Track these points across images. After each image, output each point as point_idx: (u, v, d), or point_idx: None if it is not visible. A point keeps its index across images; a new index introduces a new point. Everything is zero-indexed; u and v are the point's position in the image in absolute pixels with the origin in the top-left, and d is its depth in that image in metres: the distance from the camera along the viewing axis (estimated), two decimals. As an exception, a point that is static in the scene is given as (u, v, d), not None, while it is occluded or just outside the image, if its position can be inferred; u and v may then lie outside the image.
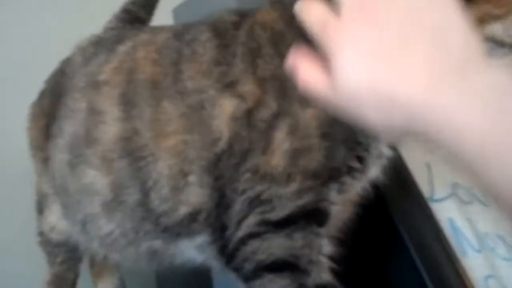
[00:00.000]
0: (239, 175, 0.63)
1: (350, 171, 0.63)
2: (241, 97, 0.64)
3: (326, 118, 0.60)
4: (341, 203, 0.65)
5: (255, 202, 0.61)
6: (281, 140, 0.61)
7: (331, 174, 0.61)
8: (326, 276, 0.60)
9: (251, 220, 0.61)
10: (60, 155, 0.82)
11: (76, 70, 0.85)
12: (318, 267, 0.60)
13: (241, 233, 0.62)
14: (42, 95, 0.92)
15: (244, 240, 0.62)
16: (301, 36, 0.58)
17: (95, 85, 0.77)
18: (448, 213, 0.91)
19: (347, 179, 0.63)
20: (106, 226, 0.77)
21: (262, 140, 0.62)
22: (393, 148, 0.66)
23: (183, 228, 0.70)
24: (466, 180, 1.01)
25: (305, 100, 0.58)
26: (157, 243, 0.75)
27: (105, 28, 1.00)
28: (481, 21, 0.57)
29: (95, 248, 0.84)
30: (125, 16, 1.01)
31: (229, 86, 0.66)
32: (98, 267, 1.08)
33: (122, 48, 0.80)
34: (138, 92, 0.72)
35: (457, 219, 0.91)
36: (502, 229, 0.98)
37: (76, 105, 0.79)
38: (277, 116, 0.62)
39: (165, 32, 0.78)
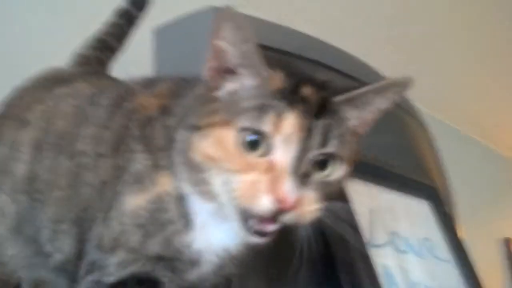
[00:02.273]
0: (89, 238, 0.69)
1: (176, 259, 0.67)
2: (102, 169, 0.71)
3: (141, 214, 0.66)
4: (177, 278, 0.70)
5: (94, 265, 0.68)
6: (112, 218, 0.67)
7: (151, 255, 0.66)
8: None
9: (89, 278, 0.68)
10: None
11: (24, 96, 0.89)
12: None
13: (83, 286, 0.68)
14: None
15: None
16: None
17: (22, 122, 0.82)
18: (384, 259, 0.96)
19: (175, 263, 0.67)
20: (10, 248, 0.81)
21: (105, 213, 0.68)
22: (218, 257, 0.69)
23: (60, 272, 0.76)
24: (404, 231, 1.08)
25: (133, 192, 0.66)
26: (47, 275, 0.82)
27: (76, 54, 1.04)
28: (211, 160, 0.61)
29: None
30: (97, 44, 1.05)
31: (99, 156, 0.72)
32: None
33: (57, 92, 0.85)
34: (47, 141, 0.77)
35: (391, 266, 0.97)
36: (432, 280, 1.05)
37: (5, 133, 0.85)
38: (115, 196, 0.68)
39: (94, 88, 0.83)
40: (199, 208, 0.66)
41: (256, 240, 0.61)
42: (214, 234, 0.67)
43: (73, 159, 0.74)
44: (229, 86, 0.63)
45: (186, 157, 0.63)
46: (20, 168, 0.78)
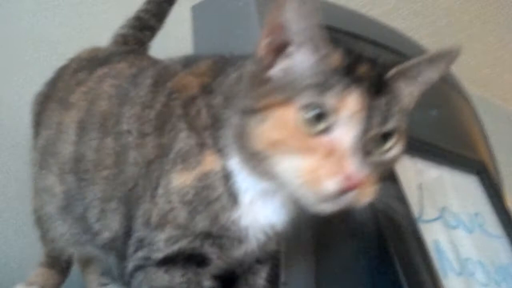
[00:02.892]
0: (136, 216, 0.71)
1: (223, 236, 0.67)
2: (147, 148, 0.71)
3: (188, 192, 0.66)
4: (224, 255, 0.69)
5: (143, 242, 0.69)
6: (159, 195, 0.68)
7: (198, 233, 0.67)
8: None
9: (139, 255, 0.69)
10: (35, 153, 0.90)
11: (66, 78, 0.91)
12: None
13: (131, 264, 0.70)
14: (40, 92, 0.96)
15: (132, 273, 0.69)
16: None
17: (65, 105, 0.84)
18: (434, 235, 0.94)
19: (222, 240, 0.67)
20: (60, 227, 0.84)
21: (152, 191, 0.69)
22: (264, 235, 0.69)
23: (109, 249, 0.78)
24: (454, 206, 1.05)
25: (180, 169, 0.67)
26: (96, 252, 0.83)
27: (115, 34, 1.04)
28: (275, 145, 0.59)
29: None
30: (136, 24, 1.06)
31: (144, 135, 0.73)
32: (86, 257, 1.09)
33: (98, 73, 0.86)
34: (92, 122, 0.78)
35: (442, 241, 0.95)
36: (483, 256, 1.02)
37: (51, 116, 0.86)
38: (160, 174, 0.69)
39: (133, 67, 0.84)
40: (248, 185, 0.66)
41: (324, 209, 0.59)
42: (261, 211, 0.67)
43: (118, 139, 0.75)
44: (285, 63, 0.61)
45: (243, 143, 0.62)
46: (67, 149, 0.80)
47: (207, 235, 0.67)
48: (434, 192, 1.02)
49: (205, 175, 0.66)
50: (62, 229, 0.84)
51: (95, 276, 1.05)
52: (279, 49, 0.61)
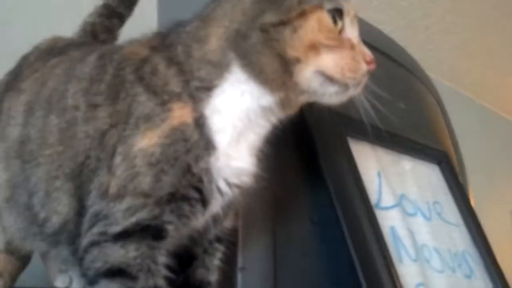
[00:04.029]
0: (90, 190, 0.69)
1: (187, 199, 0.68)
2: (99, 119, 0.71)
3: (154, 151, 0.66)
4: (182, 225, 0.70)
5: (99, 216, 0.67)
6: (117, 164, 0.67)
7: (162, 197, 0.66)
8: (157, 282, 0.67)
9: (95, 230, 0.67)
10: None
11: (24, 69, 0.91)
12: (148, 275, 0.66)
13: (85, 241, 0.68)
14: (1, 81, 0.96)
15: (87, 248, 0.68)
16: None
17: (17, 91, 0.84)
18: (391, 221, 0.96)
19: (184, 205, 0.68)
20: (7, 219, 0.83)
21: (108, 161, 0.68)
22: (232, 186, 0.71)
23: (59, 236, 0.75)
24: (412, 194, 1.08)
25: (142, 131, 0.67)
26: (43, 246, 0.81)
27: (83, 22, 1.04)
28: (313, 48, 0.66)
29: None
30: (104, 11, 1.05)
31: (94, 107, 0.72)
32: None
33: (52, 62, 0.86)
34: (39, 103, 0.78)
35: (399, 228, 0.97)
36: (439, 243, 1.05)
37: (7, 103, 0.86)
38: (118, 142, 0.68)
39: (82, 52, 0.84)
40: (226, 125, 0.69)
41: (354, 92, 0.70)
42: (234, 154, 0.69)
43: (63, 114, 0.74)
44: None
45: (266, 58, 0.67)
46: (13, 133, 0.80)
47: (169, 199, 0.67)
48: (393, 179, 1.04)
49: (174, 130, 0.67)
50: (9, 223, 0.83)
51: (55, 262, 1.04)
52: None
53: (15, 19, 1.46)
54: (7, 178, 0.80)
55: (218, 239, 0.78)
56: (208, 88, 0.69)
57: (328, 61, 0.67)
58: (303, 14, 0.67)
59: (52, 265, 1.05)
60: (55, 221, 0.74)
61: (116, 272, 0.65)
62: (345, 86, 0.68)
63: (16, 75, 0.90)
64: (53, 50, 0.91)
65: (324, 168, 0.90)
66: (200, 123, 0.68)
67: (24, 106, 0.80)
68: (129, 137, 0.68)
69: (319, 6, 0.68)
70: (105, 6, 1.06)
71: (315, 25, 0.67)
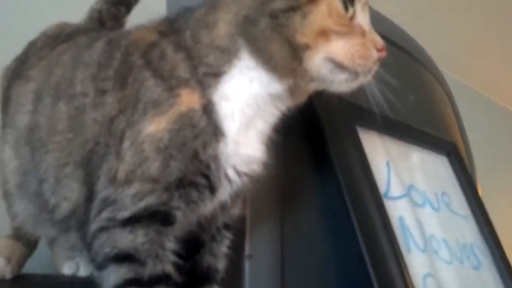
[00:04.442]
0: (99, 175, 0.69)
1: (195, 185, 0.68)
2: (107, 105, 0.70)
3: (162, 137, 0.66)
4: (190, 211, 0.69)
5: (107, 201, 0.67)
6: (126, 149, 0.67)
7: (170, 183, 0.66)
8: (165, 268, 0.66)
9: (103, 216, 0.67)
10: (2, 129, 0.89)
11: (31, 55, 0.91)
12: (156, 260, 0.65)
13: (94, 226, 0.68)
14: (8, 67, 0.95)
15: (95, 234, 0.68)
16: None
17: (26, 78, 0.84)
18: (400, 211, 0.96)
19: (192, 191, 0.68)
20: (18, 205, 0.83)
21: (116, 147, 0.68)
22: (241, 174, 0.70)
23: (69, 222, 0.75)
24: (421, 184, 1.07)
25: (150, 116, 0.66)
26: (53, 232, 0.81)
27: (90, 8, 1.03)
28: (323, 34, 0.65)
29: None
30: None
31: (102, 93, 0.71)
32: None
33: (59, 49, 0.85)
34: (47, 90, 0.78)
35: (407, 218, 0.96)
36: (447, 234, 1.04)
37: (16, 90, 0.86)
38: (127, 127, 0.68)
39: (92, 38, 0.84)
40: (235, 111, 0.68)
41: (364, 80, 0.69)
42: (243, 141, 0.69)
43: (71, 102, 0.74)
44: None
45: (277, 44, 0.65)
46: (23, 120, 0.80)
47: (178, 185, 0.66)
48: (402, 170, 1.04)
49: (182, 115, 0.66)
50: (19, 208, 0.83)
51: (62, 249, 1.05)
52: None
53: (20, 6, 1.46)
54: (17, 165, 0.80)
55: (226, 226, 0.77)
56: (216, 74, 0.68)
57: (338, 48, 0.66)
58: (312, 0, 0.65)
59: (59, 252, 1.05)
60: (65, 207, 0.74)
61: (124, 257, 0.65)
62: (355, 74, 0.67)
63: (23, 61, 0.90)
64: (59, 37, 0.90)
65: (333, 157, 0.89)
66: (208, 109, 0.67)
67: (32, 93, 0.80)
68: (137, 123, 0.67)
69: None
70: None
71: (326, 10, 0.66)
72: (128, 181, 0.66)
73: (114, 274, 0.65)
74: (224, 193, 0.70)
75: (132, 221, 0.66)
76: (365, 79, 0.69)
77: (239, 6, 0.68)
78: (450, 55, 2.72)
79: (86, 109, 0.72)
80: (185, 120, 0.66)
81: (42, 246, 1.03)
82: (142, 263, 0.65)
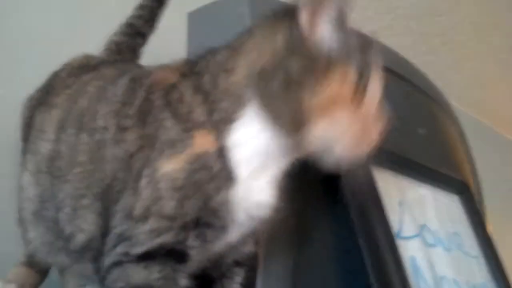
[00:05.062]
0: (115, 210, 0.70)
1: (210, 225, 0.69)
2: (128, 141, 0.71)
3: (178, 176, 0.67)
4: (205, 250, 0.71)
5: (122, 236, 0.68)
6: (143, 187, 0.68)
7: (187, 222, 0.67)
8: None
9: (118, 250, 0.68)
10: (23, 155, 0.91)
11: (56, 84, 0.93)
12: None
13: (108, 260, 0.69)
14: (32, 97, 0.97)
15: (109, 269, 0.69)
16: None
17: (50, 105, 0.86)
18: (412, 252, 0.96)
19: (207, 231, 0.69)
20: (32, 232, 0.84)
21: (134, 183, 0.69)
22: (252, 218, 0.71)
23: (84, 253, 0.76)
24: (433, 224, 1.07)
25: (167, 156, 0.68)
26: (67, 261, 0.82)
27: (109, 41, 1.07)
28: (330, 104, 0.66)
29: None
30: (129, 30, 1.08)
31: (123, 130, 0.72)
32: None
33: (85, 78, 0.88)
34: (71, 120, 0.80)
35: (419, 258, 0.97)
36: (458, 275, 1.04)
37: (37, 117, 0.88)
38: (144, 165, 0.69)
39: (118, 71, 0.86)
40: (248, 157, 0.69)
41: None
42: (254, 186, 0.69)
43: (92, 135, 0.75)
44: (325, 29, 0.67)
45: (287, 100, 0.66)
46: (45, 148, 0.81)
47: (195, 225, 0.67)
48: (414, 209, 1.04)
49: (197, 157, 0.67)
50: (34, 235, 0.84)
51: (73, 277, 1.05)
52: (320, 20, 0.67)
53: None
54: (36, 191, 0.82)
55: (237, 263, 0.78)
56: (229, 120, 0.69)
57: (339, 129, 0.67)
58: (329, 67, 0.65)
59: (70, 279, 1.06)
60: (80, 238, 0.75)
61: None
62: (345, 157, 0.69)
63: (48, 91, 0.92)
64: (85, 67, 0.93)
65: (346, 196, 0.90)
66: (222, 154, 0.68)
67: (56, 122, 0.82)
68: (154, 161, 0.68)
69: (346, 61, 0.66)
70: (130, 26, 1.09)
71: (339, 79, 0.66)
72: (144, 218, 0.67)
73: None
74: (234, 234, 0.71)
75: (147, 257, 0.67)
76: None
77: (259, 56, 0.69)
78: (461, 89, 2.74)
79: (106, 144, 0.74)
80: (200, 162, 0.67)
81: (52, 273, 1.04)
82: None
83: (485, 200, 1.42)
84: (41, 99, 0.91)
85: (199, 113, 0.69)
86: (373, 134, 0.69)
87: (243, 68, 0.70)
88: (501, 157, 3.23)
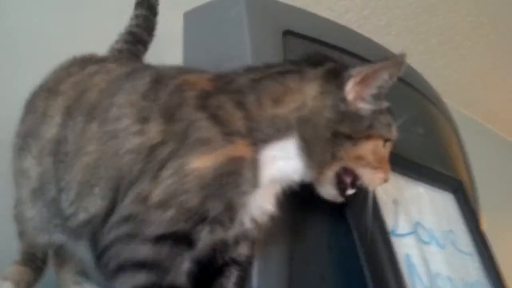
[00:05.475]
0: (128, 194, 0.73)
1: (223, 223, 0.72)
2: (149, 133, 0.74)
3: (206, 174, 0.70)
4: (210, 241, 0.73)
5: (130, 218, 0.70)
6: (165, 177, 0.70)
7: (205, 218, 0.70)
8: (181, 281, 0.69)
9: (123, 229, 0.70)
10: (15, 139, 0.93)
11: (57, 73, 0.95)
12: (174, 273, 0.69)
13: (111, 236, 0.71)
14: (34, 91, 0.98)
15: (113, 243, 0.70)
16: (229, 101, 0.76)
17: (54, 92, 0.88)
18: (406, 249, 0.97)
19: (219, 228, 0.72)
20: (30, 210, 0.86)
21: (152, 172, 0.72)
22: (254, 222, 0.76)
23: (82, 230, 0.79)
24: (428, 222, 1.08)
25: (199, 153, 0.71)
26: (62, 238, 0.84)
27: (111, 48, 1.10)
28: (358, 159, 0.80)
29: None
30: (130, 38, 1.12)
31: (144, 121, 0.75)
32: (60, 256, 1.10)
33: (89, 69, 0.90)
34: (79, 109, 0.82)
35: (413, 255, 0.98)
36: (453, 272, 1.05)
37: (39, 103, 0.90)
38: (170, 158, 0.71)
39: (127, 67, 0.89)
40: (271, 172, 0.75)
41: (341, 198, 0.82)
42: (266, 194, 0.76)
43: (105, 125, 0.78)
44: (367, 106, 0.79)
45: (325, 150, 0.77)
46: (49, 132, 0.83)
47: (211, 221, 0.71)
48: (409, 207, 1.05)
49: (232, 160, 0.71)
50: (30, 214, 0.86)
51: (69, 275, 1.06)
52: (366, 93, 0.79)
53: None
54: (39, 171, 0.84)
55: (235, 262, 0.80)
56: (265, 140, 0.75)
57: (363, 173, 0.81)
58: (368, 137, 0.78)
59: (66, 277, 1.07)
60: (82, 217, 0.78)
61: (143, 265, 0.68)
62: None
63: (49, 80, 0.94)
64: (89, 60, 0.95)
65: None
66: (255, 164, 0.73)
67: (63, 108, 0.84)
68: (182, 157, 0.71)
69: (381, 135, 0.80)
70: (131, 33, 1.13)
71: (371, 147, 0.79)
72: (164, 206, 0.70)
73: (130, 280, 0.68)
74: (233, 232, 0.75)
75: (159, 239, 0.69)
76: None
77: (313, 105, 0.77)
78: (459, 89, 2.75)
79: (118, 134, 0.76)
80: (232, 166, 0.72)
81: (48, 272, 1.05)
82: (161, 272, 0.68)
83: (483, 200, 1.44)
84: (41, 87, 0.93)
85: (240, 126, 0.74)
86: (382, 179, 0.83)
87: (292, 106, 0.77)
88: (498, 157, 3.24)
